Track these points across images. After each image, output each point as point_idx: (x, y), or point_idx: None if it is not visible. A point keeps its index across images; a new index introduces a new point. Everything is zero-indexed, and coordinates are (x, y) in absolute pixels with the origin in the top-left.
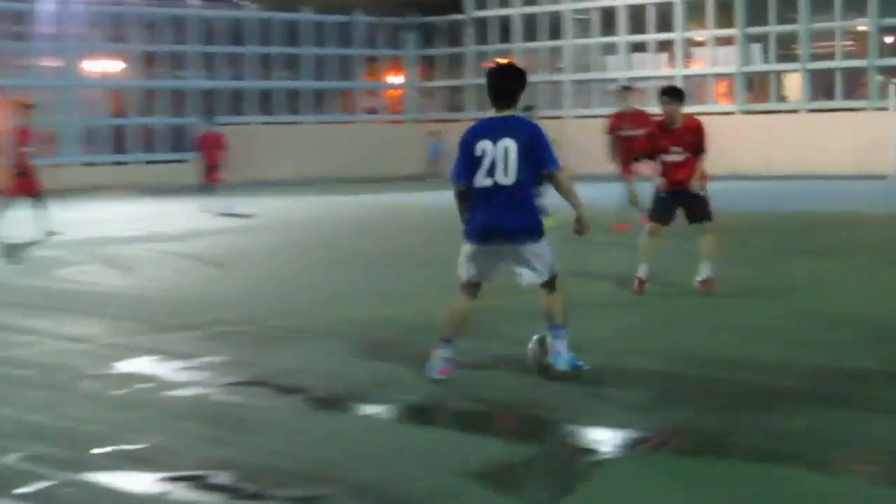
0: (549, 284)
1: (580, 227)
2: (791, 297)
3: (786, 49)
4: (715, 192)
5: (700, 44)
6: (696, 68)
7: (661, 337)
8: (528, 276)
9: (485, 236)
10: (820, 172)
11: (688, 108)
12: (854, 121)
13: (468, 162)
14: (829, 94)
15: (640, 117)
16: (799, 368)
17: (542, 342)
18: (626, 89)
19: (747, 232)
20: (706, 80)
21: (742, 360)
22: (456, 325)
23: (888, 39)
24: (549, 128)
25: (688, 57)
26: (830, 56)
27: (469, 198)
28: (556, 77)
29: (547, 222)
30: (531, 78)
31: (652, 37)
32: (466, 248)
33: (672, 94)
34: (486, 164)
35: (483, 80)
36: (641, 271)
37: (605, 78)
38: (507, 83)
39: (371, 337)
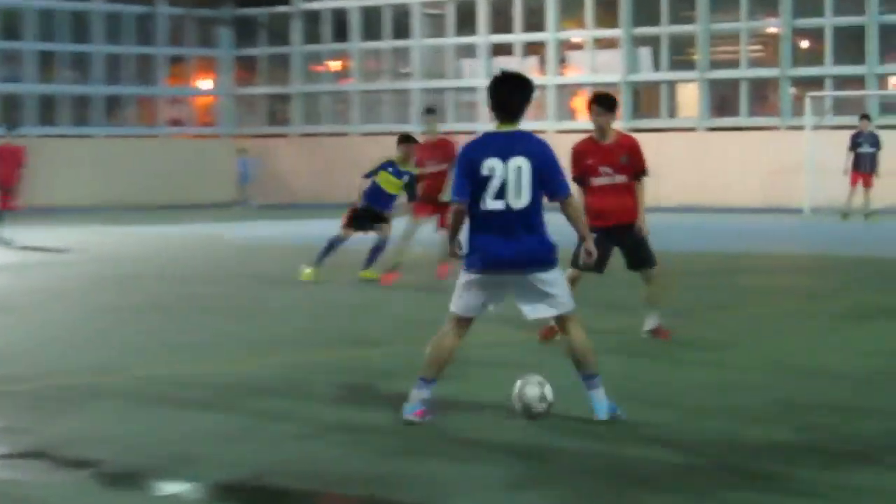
0: (566, 320)
1: (587, 256)
2: (734, 349)
3: (680, 54)
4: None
5: (577, 46)
6: (572, 76)
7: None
8: (541, 310)
9: (492, 264)
10: (720, 204)
11: (561, 124)
12: (762, 142)
13: (472, 182)
14: (731, 110)
15: (446, 148)
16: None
17: (523, 389)
18: (430, 112)
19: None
20: (584, 91)
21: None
22: (440, 364)
23: (804, 44)
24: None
25: (562, 62)
26: (734, 64)
27: (466, 219)
28: (401, 84)
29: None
30: (372, 86)
31: (518, 37)
32: (465, 277)
33: (603, 104)
34: (495, 184)
35: (312, 88)
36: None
37: (462, 86)
38: (510, 94)
39: (173, 398)
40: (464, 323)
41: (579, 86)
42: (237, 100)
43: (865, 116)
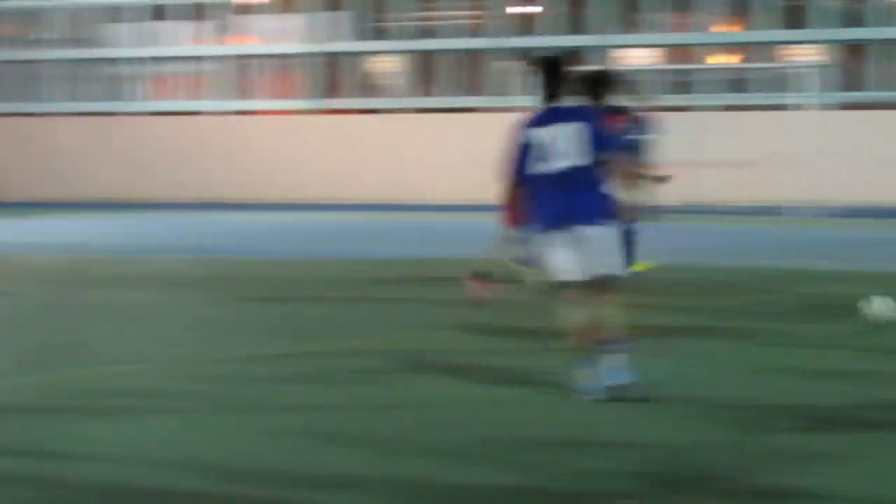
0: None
1: None
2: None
3: (378, 21)
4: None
5: (246, 8)
6: (242, 46)
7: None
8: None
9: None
10: (423, 201)
11: (214, 104)
12: (469, 125)
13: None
14: (437, 88)
15: None
16: None
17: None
18: None
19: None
20: (260, 64)
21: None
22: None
23: (519, 10)
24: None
25: (227, 30)
26: (434, 33)
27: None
28: (31, 54)
29: None
30: None
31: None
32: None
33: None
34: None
35: None
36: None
37: (106, 56)
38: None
39: None
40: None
41: (251, 58)
42: None
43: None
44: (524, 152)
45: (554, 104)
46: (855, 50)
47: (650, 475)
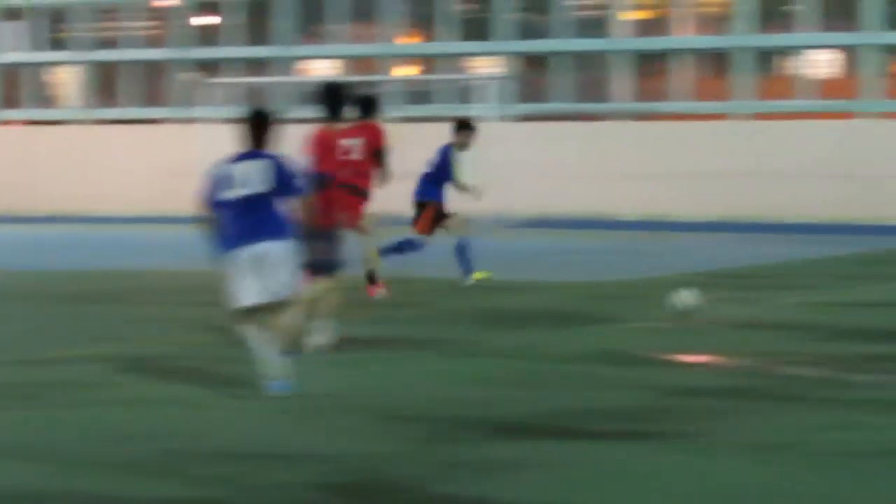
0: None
1: None
2: None
3: (58, 32)
4: None
5: None
6: None
7: None
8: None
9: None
10: (105, 213)
11: None
12: (151, 137)
13: None
14: (118, 99)
15: None
16: None
17: None
18: None
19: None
20: None
21: None
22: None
23: (200, 21)
24: None
25: None
26: (114, 44)
27: None
28: None
29: None
30: None
31: None
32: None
33: None
34: None
35: None
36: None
37: None
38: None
39: None
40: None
41: None
42: None
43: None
44: (215, 183)
45: (254, 147)
46: (536, 62)
47: (335, 486)
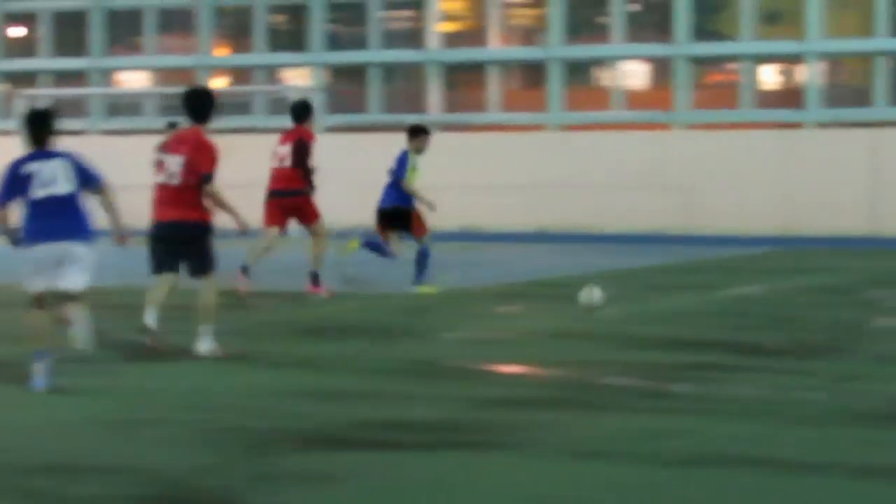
0: None
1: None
2: None
3: None
4: None
5: None
6: None
7: None
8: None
9: None
10: None
11: None
12: None
13: None
14: None
15: None
16: None
17: None
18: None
19: None
20: None
21: None
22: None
23: (12, 33)
24: None
25: None
26: None
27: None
28: None
29: None
30: None
31: None
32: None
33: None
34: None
35: None
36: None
37: None
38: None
39: None
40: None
41: None
42: None
43: (173, 125)
44: (12, 182)
45: (39, 146)
46: (349, 73)
47: (147, 498)
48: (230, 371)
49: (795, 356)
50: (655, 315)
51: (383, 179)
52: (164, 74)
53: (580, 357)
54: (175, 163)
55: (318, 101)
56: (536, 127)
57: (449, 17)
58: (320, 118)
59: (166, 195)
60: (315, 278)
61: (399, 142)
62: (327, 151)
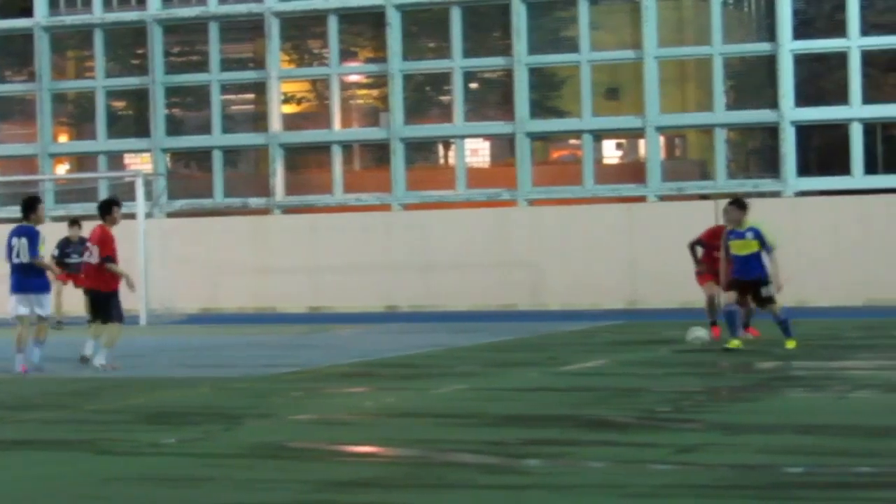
0: None
1: None
2: None
3: None
4: None
5: None
6: None
7: None
8: None
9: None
10: None
11: None
12: None
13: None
14: None
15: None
16: None
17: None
18: None
19: None
20: None
21: None
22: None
23: None
24: None
25: None
26: None
27: None
28: None
29: None
30: None
31: None
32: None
33: None
34: None
35: None
36: None
37: None
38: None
39: None
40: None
41: None
42: None
43: (76, 222)
44: (6, 246)
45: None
46: (191, 157)
47: None
48: (77, 459)
49: (640, 428)
50: (500, 392)
51: (230, 264)
52: (7, 164)
53: (428, 436)
54: None
55: (157, 187)
56: (382, 207)
57: (290, 100)
58: (162, 204)
59: None
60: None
61: (242, 225)
62: (171, 236)
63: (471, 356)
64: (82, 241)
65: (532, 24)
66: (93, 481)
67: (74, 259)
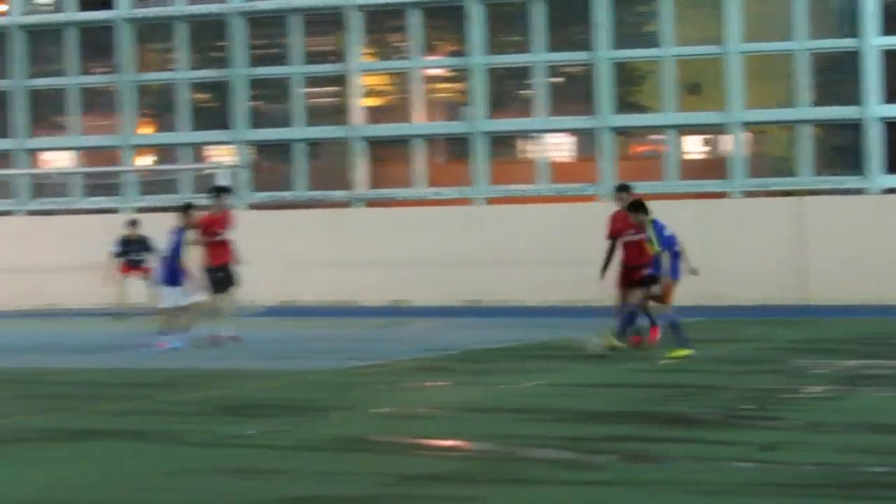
0: None
1: None
2: None
3: None
4: None
5: None
6: None
7: None
8: None
9: None
10: None
11: None
12: None
13: None
14: None
15: None
16: None
17: None
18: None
19: None
20: None
21: None
22: None
23: None
24: None
25: None
26: None
27: None
28: None
29: None
30: None
31: None
32: None
33: None
34: None
35: None
36: None
37: None
38: None
39: None
40: None
41: None
42: None
43: (134, 223)
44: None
45: None
46: (271, 150)
47: None
48: (153, 450)
49: (721, 426)
50: (579, 387)
51: (309, 257)
52: (87, 154)
53: (506, 431)
54: None
55: (240, 179)
56: (462, 201)
57: (371, 93)
58: (243, 196)
59: None
60: None
61: (321, 219)
62: (252, 229)
63: (549, 352)
64: (140, 239)
65: (614, 18)
66: (170, 472)
67: (132, 257)
